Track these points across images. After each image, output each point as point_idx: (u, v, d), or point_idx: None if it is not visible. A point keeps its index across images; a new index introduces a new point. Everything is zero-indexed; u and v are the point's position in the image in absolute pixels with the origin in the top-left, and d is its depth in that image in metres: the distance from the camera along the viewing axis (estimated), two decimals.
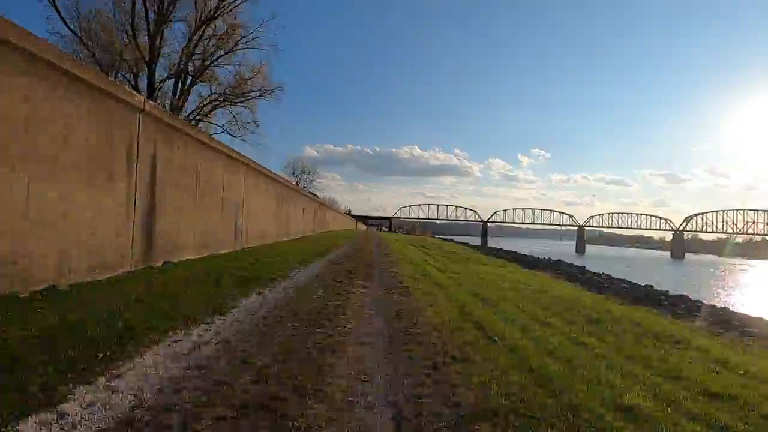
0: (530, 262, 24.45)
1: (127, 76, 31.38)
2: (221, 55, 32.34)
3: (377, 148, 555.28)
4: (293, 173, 75.32)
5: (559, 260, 33.18)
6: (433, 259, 16.90)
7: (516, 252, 56.40)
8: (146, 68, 29.44)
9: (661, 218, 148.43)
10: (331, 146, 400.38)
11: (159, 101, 30.47)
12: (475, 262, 16.43)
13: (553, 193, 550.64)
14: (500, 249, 52.93)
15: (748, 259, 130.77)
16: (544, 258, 38.21)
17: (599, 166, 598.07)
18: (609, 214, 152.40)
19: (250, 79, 34.57)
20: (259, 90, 34.68)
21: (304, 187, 75.22)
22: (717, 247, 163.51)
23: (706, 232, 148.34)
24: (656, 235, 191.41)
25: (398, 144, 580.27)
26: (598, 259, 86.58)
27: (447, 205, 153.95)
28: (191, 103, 33.78)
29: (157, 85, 29.86)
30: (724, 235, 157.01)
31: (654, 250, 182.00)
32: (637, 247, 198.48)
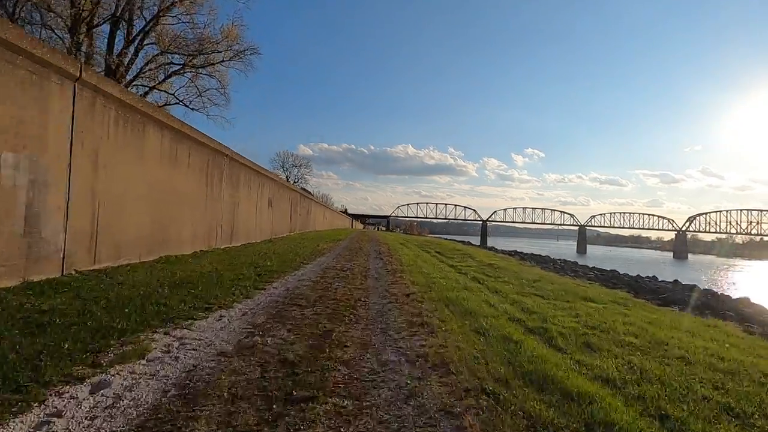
0: (649, 290, 15.50)
1: (59, 32, 23.08)
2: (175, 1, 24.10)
3: (372, 147, 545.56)
4: (282, 167, 66.97)
5: (694, 286, 23.06)
6: (484, 286, 8.79)
7: (540, 255, 48.33)
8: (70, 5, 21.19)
9: (664, 218, 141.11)
10: (326, 145, 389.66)
11: (87, 57, 22.21)
12: (567, 294, 8.28)
13: (549, 192, 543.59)
14: (531, 254, 44.83)
15: (750, 259, 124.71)
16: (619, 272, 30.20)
17: (594, 166, 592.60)
18: (611, 213, 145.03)
19: (218, 42, 26.46)
20: (227, 49, 26.51)
21: (295, 183, 66.83)
22: (716, 247, 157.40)
23: (710, 232, 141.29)
24: (653, 234, 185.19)
25: (392, 143, 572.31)
26: (608, 261, 79.04)
27: (446, 204, 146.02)
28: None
29: (83, 32, 21.54)
30: (722, 236, 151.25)
31: (652, 251, 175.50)
32: (634, 247, 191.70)
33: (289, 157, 69.23)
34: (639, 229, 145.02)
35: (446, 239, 57.33)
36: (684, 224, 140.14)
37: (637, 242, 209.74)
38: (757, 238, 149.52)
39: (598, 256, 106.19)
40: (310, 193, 76.74)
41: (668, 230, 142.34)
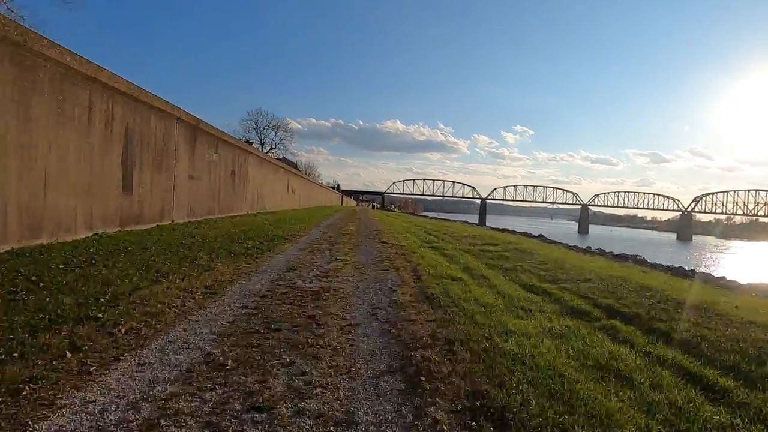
0: None
1: None
2: None
3: (361, 122, 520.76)
4: (256, 128, 51.82)
5: None
6: None
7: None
8: None
9: (669, 197, 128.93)
10: (314, 119, 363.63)
11: None
12: None
13: (541, 171, 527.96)
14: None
15: (748, 240, 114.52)
16: None
17: (584, 145, 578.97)
18: (615, 193, 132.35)
19: None
20: None
21: (271, 150, 52.04)
22: (715, 229, 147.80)
23: (716, 213, 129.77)
24: (649, 214, 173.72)
25: (380, 119, 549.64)
26: (621, 244, 66.75)
27: (444, 181, 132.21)
28: None
29: None
30: (722, 217, 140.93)
31: (650, 231, 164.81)
32: (631, 227, 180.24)
33: (264, 117, 53.67)
34: (644, 209, 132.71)
35: (458, 221, 43.56)
36: (689, 204, 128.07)
37: (632, 222, 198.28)
38: (761, 220, 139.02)
39: (600, 236, 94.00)
40: (291, 165, 62.13)
41: (673, 210, 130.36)
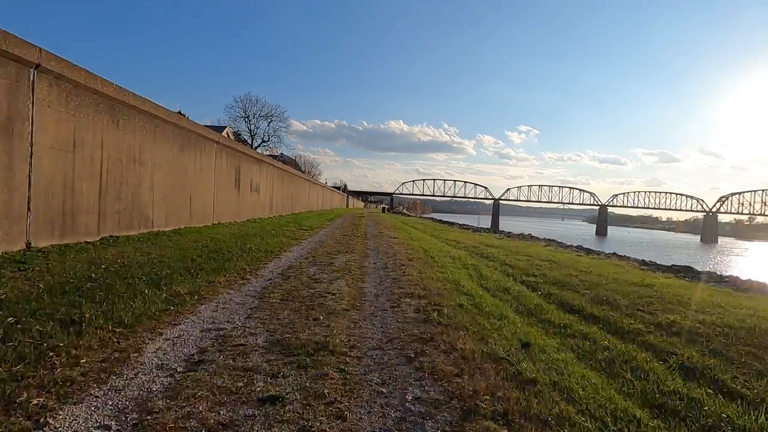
0: None
1: None
2: None
3: (365, 123, 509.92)
4: (245, 116, 43.43)
5: None
6: None
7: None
8: None
9: (692, 198, 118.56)
10: (318, 121, 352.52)
11: None
12: None
13: (548, 170, 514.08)
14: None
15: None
16: None
17: (591, 144, 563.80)
18: (635, 192, 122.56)
19: None
20: None
21: (263, 143, 43.86)
22: (736, 230, 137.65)
23: (743, 213, 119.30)
24: (663, 215, 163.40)
25: (384, 119, 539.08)
26: (648, 248, 57.71)
27: (455, 181, 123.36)
28: None
29: None
30: (743, 217, 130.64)
31: (666, 232, 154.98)
32: (647, 228, 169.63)
33: (255, 104, 45.16)
34: (667, 210, 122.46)
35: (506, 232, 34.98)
36: (714, 205, 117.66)
37: (647, 223, 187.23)
38: None
39: (624, 240, 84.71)
40: (290, 163, 54.25)
41: (696, 211, 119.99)
